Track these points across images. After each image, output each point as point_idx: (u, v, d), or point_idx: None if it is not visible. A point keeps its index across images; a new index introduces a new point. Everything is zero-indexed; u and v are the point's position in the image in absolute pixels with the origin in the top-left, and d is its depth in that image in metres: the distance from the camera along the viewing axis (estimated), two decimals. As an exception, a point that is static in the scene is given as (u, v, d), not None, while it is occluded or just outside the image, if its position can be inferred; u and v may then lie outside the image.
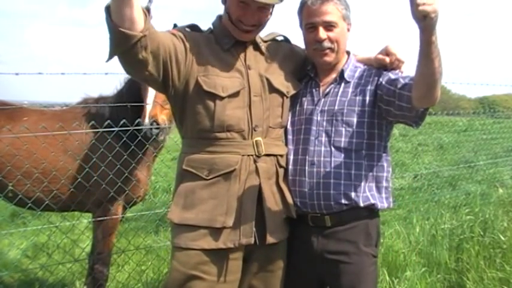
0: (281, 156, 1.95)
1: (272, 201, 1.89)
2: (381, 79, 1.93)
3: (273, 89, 1.92)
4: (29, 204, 2.99)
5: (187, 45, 1.81)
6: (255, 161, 1.85)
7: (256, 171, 1.85)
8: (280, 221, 1.92)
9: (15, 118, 3.09)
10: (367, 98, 1.93)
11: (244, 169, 1.83)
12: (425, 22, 1.51)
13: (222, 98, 1.81)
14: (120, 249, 3.73)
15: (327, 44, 1.93)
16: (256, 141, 1.85)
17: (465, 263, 3.64)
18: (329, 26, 1.92)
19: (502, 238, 3.89)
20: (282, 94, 1.94)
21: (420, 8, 1.48)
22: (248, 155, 1.84)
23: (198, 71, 1.82)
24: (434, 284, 3.41)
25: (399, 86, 1.83)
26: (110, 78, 3.13)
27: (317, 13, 1.92)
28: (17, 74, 2.81)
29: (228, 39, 1.89)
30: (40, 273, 3.81)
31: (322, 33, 1.92)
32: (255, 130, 1.85)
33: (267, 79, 1.91)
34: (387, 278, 3.35)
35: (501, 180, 6.68)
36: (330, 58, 1.97)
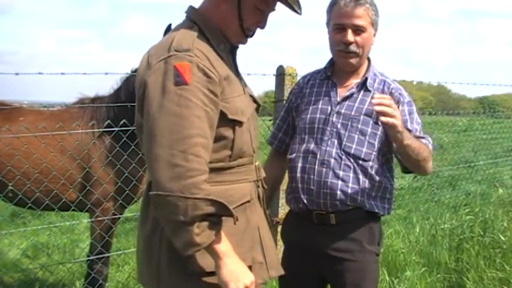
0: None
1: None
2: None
3: (257, 106, 1.72)
4: (29, 204, 3.00)
5: (214, 90, 1.43)
6: (257, 186, 1.68)
7: (259, 197, 1.69)
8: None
9: (12, 118, 3.09)
10: None
11: (255, 197, 1.65)
12: (392, 133, 1.75)
13: (242, 124, 1.54)
14: (120, 249, 3.73)
15: (353, 47, 1.92)
16: (257, 165, 1.67)
17: (465, 263, 3.64)
18: (358, 30, 1.90)
19: (502, 238, 3.89)
20: (257, 111, 1.74)
21: (382, 119, 1.69)
22: (254, 181, 1.65)
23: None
24: (434, 284, 3.41)
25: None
26: (110, 78, 3.13)
27: (348, 15, 1.90)
28: (17, 74, 2.81)
29: (224, 45, 1.57)
30: (40, 273, 3.80)
31: (351, 36, 1.90)
32: (254, 152, 1.65)
33: (250, 95, 1.68)
34: (387, 278, 3.35)
35: (501, 180, 6.67)
36: (353, 61, 1.96)
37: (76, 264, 3.77)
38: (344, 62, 1.98)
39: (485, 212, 4.63)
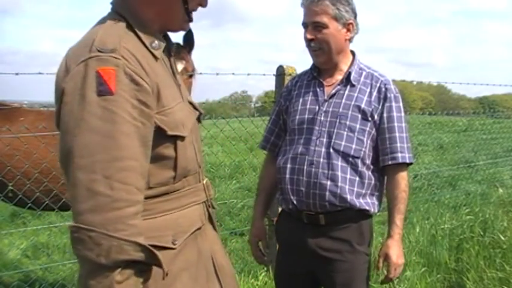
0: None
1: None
2: (384, 115, 1.96)
3: (198, 117, 1.45)
4: (29, 204, 3.00)
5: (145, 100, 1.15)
6: (207, 208, 1.43)
7: (210, 219, 1.45)
8: None
9: (11, 118, 3.09)
10: (371, 110, 1.95)
11: (206, 220, 1.41)
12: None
13: (183, 139, 1.28)
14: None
15: (314, 44, 1.96)
16: (205, 182, 1.42)
17: (465, 263, 3.64)
18: (318, 27, 1.93)
19: (502, 238, 3.88)
20: (199, 120, 1.47)
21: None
22: (203, 202, 1.41)
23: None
24: (434, 284, 3.41)
25: (383, 155, 1.98)
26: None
27: (307, 13, 1.95)
28: (17, 74, 2.81)
29: (158, 43, 1.27)
30: (40, 273, 3.81)
31: (309, 33, 1.95)
32: (200, 167, 1.40)
33: (191, 103, 1.42)
34: (387, 278, 3.35)
35: (501, 180, 6.67)
36: (320, 58, 1.99)
37: (76, 264, 3.77)
38: (314, 60, 2.02)
39: (485, 212, 4.63)
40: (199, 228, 1.35)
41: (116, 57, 1.12)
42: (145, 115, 1.14)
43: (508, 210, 4.84)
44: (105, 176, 1.06)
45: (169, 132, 1.23)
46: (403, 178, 1.97)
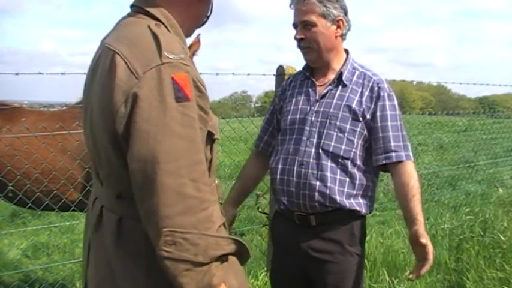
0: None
1: None
2: (378, 113, 1.92)
3: None
4: (29, 204, 3.00)
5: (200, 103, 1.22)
6: (220, 204, 1.46)
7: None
8: None
9: (13, 119, 3.09)
10: (362, 110, 1.93)
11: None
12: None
13: (216, 141, 1.36)
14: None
15: (303, 43, 1.97)
16: (217, 182, 1.44)
17: (465, 263, 3.64)
18: (307, 26, 1.94)
19: (502, 238, 3.88)
20: None
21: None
22: (218, 201, 1.44)
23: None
24: (434, 284, 3.41)
25: (376, 155, 1.93)
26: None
27: (296, 13, 1.97)
28: (17, 74, 2.81)
29: (186, 47, 1.31)
30: (40, 273, 3.81)
31: (298, 32, 1.97)
32: None
33: None
34: (387, 278, 3.35)
35: (501, 180, 6.67)
36: (310, 57, 2.00)
37: (76, 264, 3.77)
38: (305, 58, 2.03)
39: (485, 212, 4.63)
40: (219, 227, 1.38)
41: (185, 64, 1.15)
42: (203, 120, 1.20)
43: (508, 210, 4.84)
44: (192, 179, 1.11)
45: (216, 136, 1.29)
46: (409, 175, 1.97)
